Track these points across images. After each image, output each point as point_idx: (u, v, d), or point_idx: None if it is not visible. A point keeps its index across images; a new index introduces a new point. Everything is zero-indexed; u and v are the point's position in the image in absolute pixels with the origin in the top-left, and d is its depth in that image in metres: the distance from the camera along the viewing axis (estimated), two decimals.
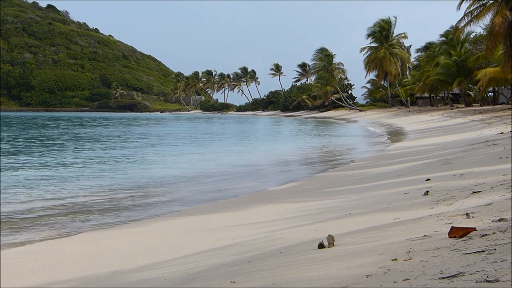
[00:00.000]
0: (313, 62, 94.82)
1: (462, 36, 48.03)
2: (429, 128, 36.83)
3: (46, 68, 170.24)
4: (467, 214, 5.36)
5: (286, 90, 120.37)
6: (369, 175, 13.58)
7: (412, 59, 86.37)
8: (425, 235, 4.67)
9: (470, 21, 34.92)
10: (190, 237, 7.64)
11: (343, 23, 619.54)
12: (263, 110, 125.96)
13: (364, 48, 78.93)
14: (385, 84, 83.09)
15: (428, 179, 9.91)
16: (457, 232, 4.34)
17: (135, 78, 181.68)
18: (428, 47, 76.32)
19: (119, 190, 13.40)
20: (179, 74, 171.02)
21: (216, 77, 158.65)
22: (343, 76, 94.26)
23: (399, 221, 5.97)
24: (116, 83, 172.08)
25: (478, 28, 70.27)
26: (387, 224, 5.90)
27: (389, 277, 3.49)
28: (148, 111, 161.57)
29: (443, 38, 63.43)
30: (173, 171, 17.56)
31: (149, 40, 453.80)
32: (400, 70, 78.02)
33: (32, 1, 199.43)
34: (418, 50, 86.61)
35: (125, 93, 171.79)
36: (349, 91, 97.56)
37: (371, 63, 77.19)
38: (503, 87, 55.28)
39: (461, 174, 9.81)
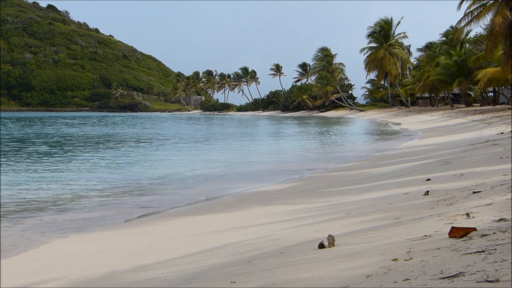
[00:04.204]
0: (314, 62, 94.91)
1: (462, 36, 48.00)
2: (429, 128, 36.85)
3: (47, 68, 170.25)
4: (467, 214, 5.36)
5: (286, 90, 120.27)
6: (369, 175, 13.58)
7: (412, 59, 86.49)
8: (425, 235, 4.67)
9: (470, 21, 34.88)
10: (190, 237, 7.63)
11: (343, 23, 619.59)
12: (263, 110, 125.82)
13: (364, 49, 79.07)
14: (385, 84, 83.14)
15: (428, 179, 9.91)
16: (457, 232, 4.34)
17: (136, 78, 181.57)
18: (429, 47, 76.34)
19: (119, 190, 13.39)
20: (179, 74, 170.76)
21: (216, 77, 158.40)
22: (343, 76, 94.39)
23: (399, 221, 5.97)
24: (116, 83, 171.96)
25: (478, 28, 70.36)
26: (387, 224, 5.90)
27: (389, 277, 3.49)
28: (149, 111, 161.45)
29: (443, 38, 63.48)
30: (173, 170, 17.53)
31: (149, 40, 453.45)
32: (400, 70, 78.06)
33: (32, 1, 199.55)
34: (419, 50, 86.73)
35: (125, 93, 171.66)
36: (350, 91, 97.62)
37: (371, 63, 77.27)
38: (503, 87, 55.28)
39: (461, 174, 9.81)
